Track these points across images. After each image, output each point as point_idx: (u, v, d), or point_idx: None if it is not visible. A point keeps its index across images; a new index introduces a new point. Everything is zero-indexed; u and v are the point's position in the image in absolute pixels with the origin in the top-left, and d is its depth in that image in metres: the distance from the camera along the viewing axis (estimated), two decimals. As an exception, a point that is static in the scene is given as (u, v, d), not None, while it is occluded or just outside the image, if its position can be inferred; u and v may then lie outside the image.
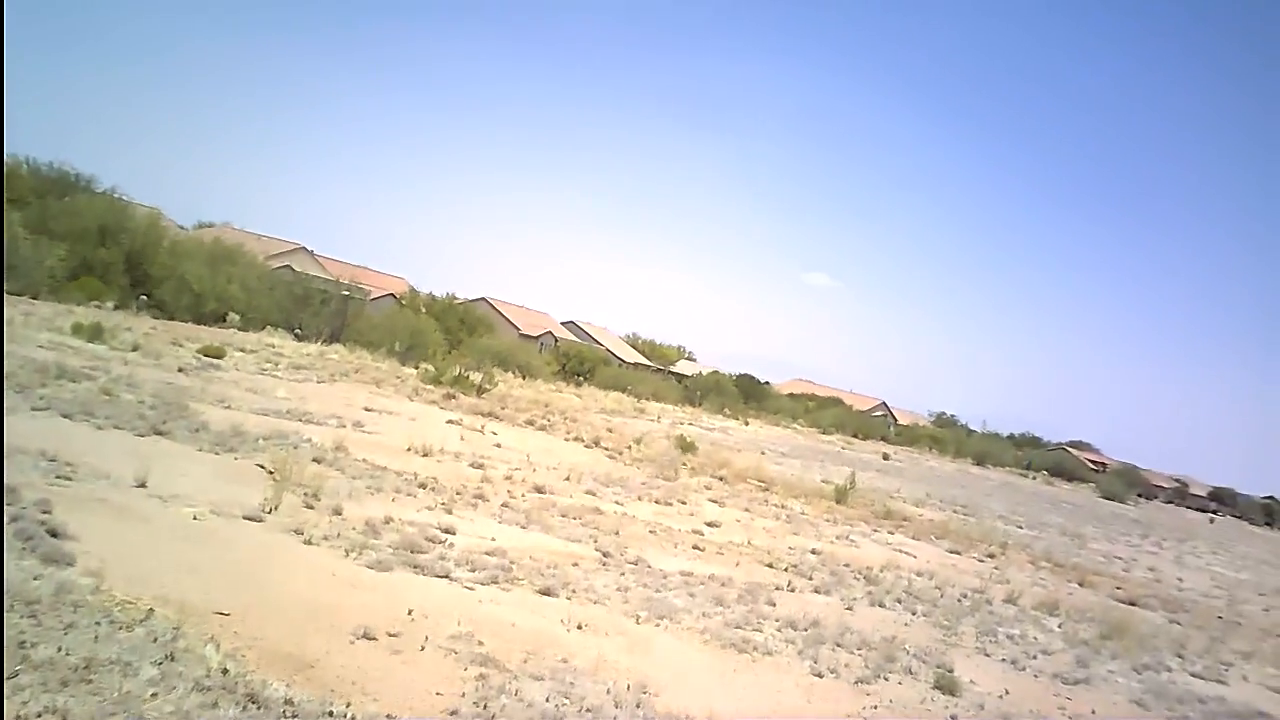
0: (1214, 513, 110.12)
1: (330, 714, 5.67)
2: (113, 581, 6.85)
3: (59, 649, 5.56)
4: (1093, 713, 9.74)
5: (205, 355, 22.57)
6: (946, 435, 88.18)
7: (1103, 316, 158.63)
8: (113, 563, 7.22)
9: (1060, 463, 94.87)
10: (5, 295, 28.64)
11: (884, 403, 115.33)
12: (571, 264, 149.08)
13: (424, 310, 59.77)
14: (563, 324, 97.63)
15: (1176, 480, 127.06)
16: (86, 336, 20.15)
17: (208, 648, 6.12)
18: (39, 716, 4.81)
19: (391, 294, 71.70)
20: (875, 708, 8.31)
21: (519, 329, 79.96)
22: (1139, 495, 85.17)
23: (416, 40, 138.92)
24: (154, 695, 5.30)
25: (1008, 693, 9.66)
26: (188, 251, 44.06)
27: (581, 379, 60.03)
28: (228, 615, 6.84)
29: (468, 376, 28.80)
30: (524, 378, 42.12)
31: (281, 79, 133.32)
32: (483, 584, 9.19)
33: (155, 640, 6.04)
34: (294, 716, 5.51)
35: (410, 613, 7.79)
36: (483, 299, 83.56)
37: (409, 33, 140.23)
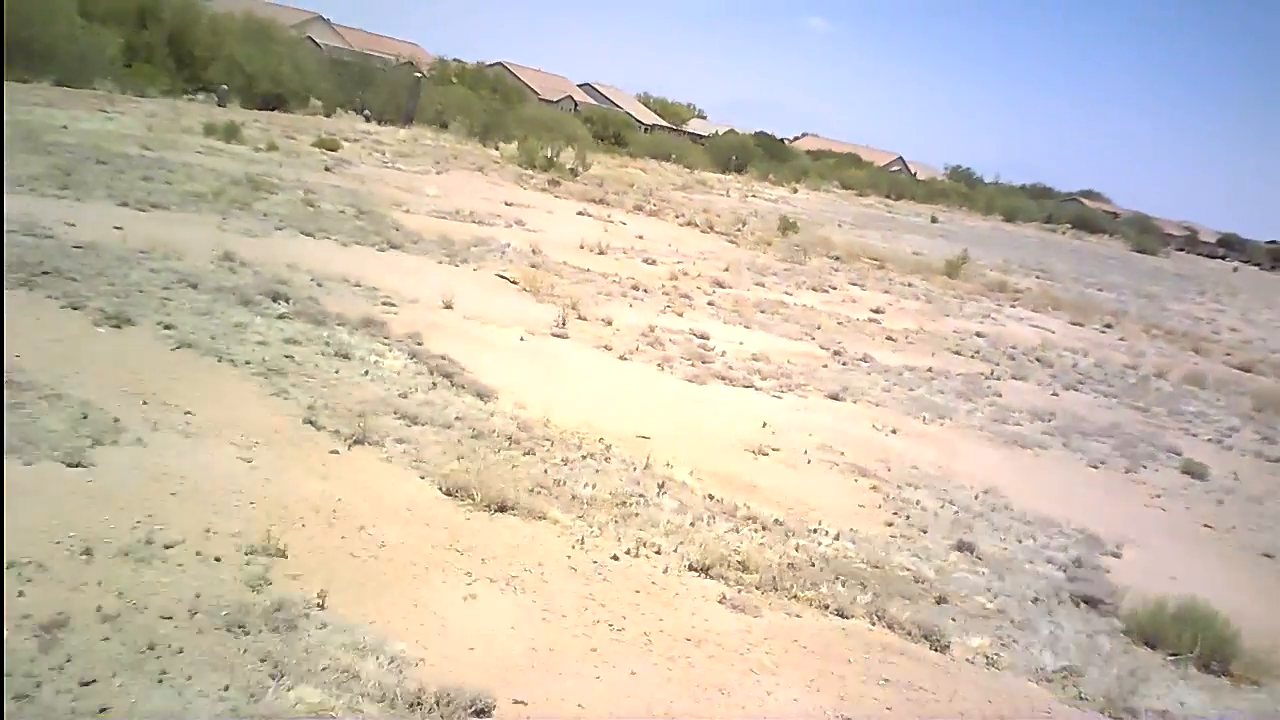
0: (1223, 258, 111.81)
1: (813, 530, 6.58)
2: (535, 410, 7.66)
3: (584, 484, 6.42)
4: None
5: (323, 149, 22.68)
6: (975, 193, 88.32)
7: (1106, 62, 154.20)
8: (515, 391, 8.03)
9: (1081, 215, 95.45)
10: (74, 90, 28.19)
11: (900, 158, 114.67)
12: (573, 20, 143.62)
13: (454, 80, 58.64)
14: (579, 86, 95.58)
15: (1186, 228, 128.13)
16: (224, 137, 20.24)
17: (683, 475, 7.00)
18: (632, 549, 5.67)
19: (409, 62, 69.73)
20: (1158, 496, 9.33)
21: (539, 94, 78.18)
22: (1180, 248, 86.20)
23: None
24: (693, 524, 6.19)
25: (1237, 475, 10.71)
26: (227, 29, 42.74)
27: (621, 146, 59.45)
28: (649, 439, 7.68)
29: (557, 158, 28.89)
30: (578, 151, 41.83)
31: None
32: (782, 391, 10.04)
33: (635, 469, 6.90)
34: (790, 535, 6.42)
35: (765, 425, 8.67)
36: (499, 64, 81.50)
37: None
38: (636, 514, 6.14)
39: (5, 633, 3.60)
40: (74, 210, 11.46)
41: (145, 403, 6.31)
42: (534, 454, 6.77)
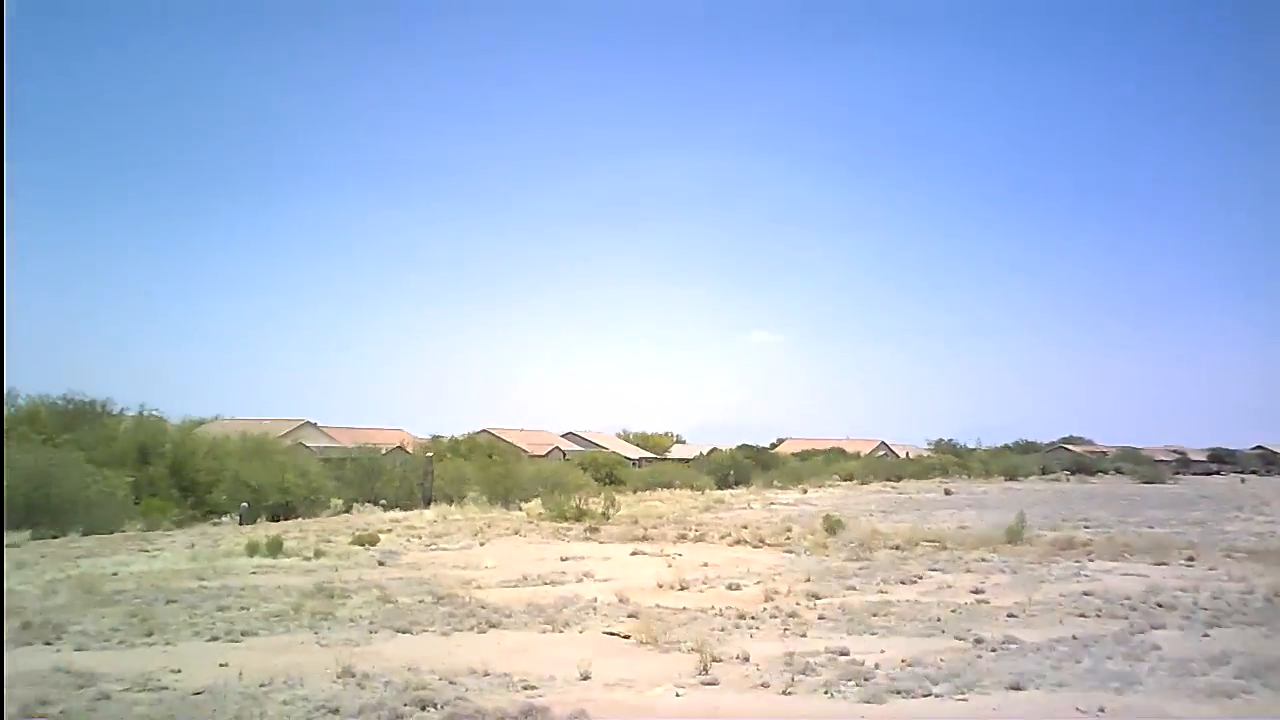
0: (1217, 473, 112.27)
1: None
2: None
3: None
4: None
5: (363, 544, 22.44)
6: (968, 461, 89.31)
7: (1044, 314, 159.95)
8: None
9: (1076, 461, 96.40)
10: (105, 536, 28.12)
11: (883, 442, 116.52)
12: (536, 375, 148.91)
13: (449, 456, 59.86)
14: (562, 436, 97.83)
15: (1175, 451, 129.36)
16: (269, 553, 20.00)
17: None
18: None
19: (400, 447, 71.36)
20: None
21: (528, 452, 79.59)
22: (1176, 471, 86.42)
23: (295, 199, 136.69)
24: None
25: None
26: (226, 452, 43.66)
27: (619, 483, 60.02)
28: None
29: (586, 507, 28.86)
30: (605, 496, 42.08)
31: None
32: (964, 692, 9.36)
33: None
34: None
35: (978, 734, 7.97)
36: (484, 431, 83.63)
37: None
38: None
39: None
40: (170, 655, 11.01)
41: None
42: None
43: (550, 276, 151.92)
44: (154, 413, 45.62)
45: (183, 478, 40.29)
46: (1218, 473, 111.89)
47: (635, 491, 50.29)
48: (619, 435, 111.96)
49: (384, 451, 58.17)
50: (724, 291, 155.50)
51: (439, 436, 72.31)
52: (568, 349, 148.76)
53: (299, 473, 41.36)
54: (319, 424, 74.11)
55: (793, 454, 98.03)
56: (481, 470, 44.19)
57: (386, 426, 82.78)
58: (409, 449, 69.75)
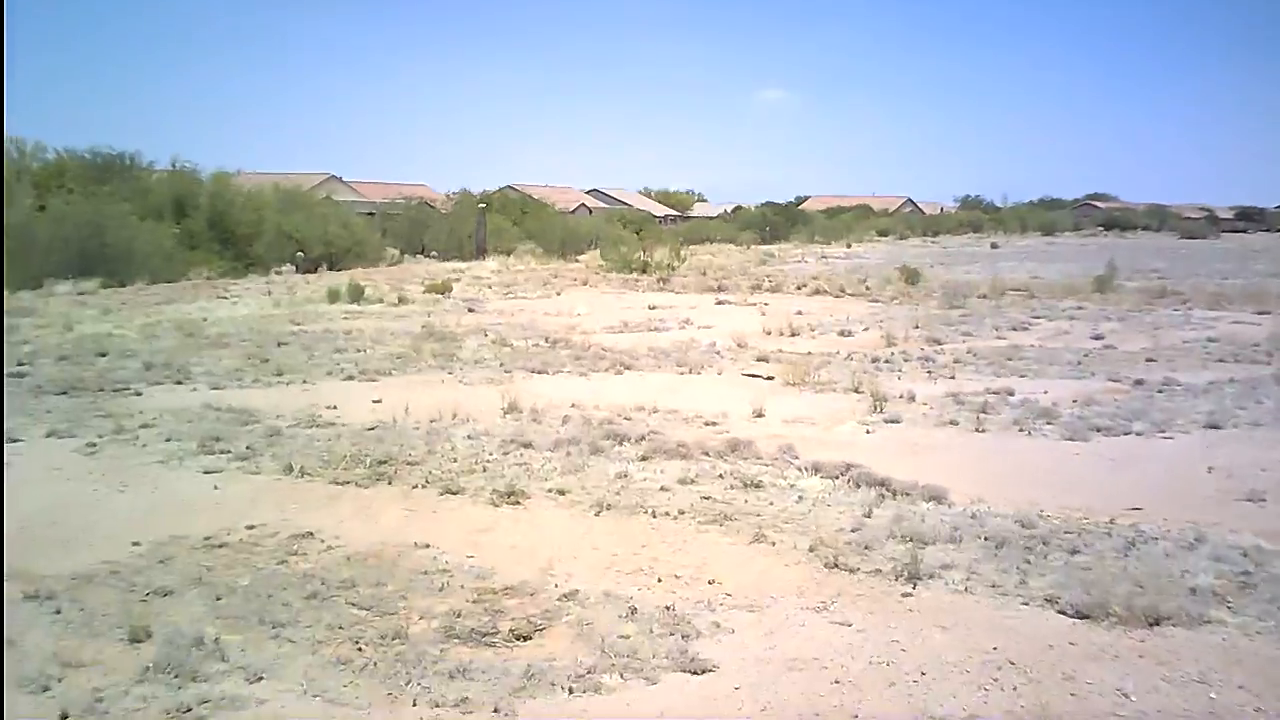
0: (1245, 231, 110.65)
1: None
2: (999, 503, 6.68)
3: (1180, 574, 5.38)
4: None
5: (437, 292, 22.07)
6: (1002, 216, 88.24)
7: (1077, 62, 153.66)
8: (947, 486, 7.04)
9: (1109, 217, 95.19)
10: (171, 284, 27.78)
11: (909, 199, 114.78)
12: (556, 132, 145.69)
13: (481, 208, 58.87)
14: (586, 193, 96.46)
15: (1203, 209, 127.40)
16: (353, 299, 19.63)
17: (1248, 540, 5.96)
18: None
19: (424, 200, 69.92)
20: None
21: (553, 207, 78.25)
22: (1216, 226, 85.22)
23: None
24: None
25: None
26: (264, 203, 42.63)
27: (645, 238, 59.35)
28: (1141, 509, 6.66)
29: (650, 261, 28.30)
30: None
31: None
32: (1164, 431, 9.01)
33: (1193, 545, 5.87)
34: None
35: (1210, 470, 7.67)
36: (509, 186, 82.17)
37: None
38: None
39: None
40: (314, 393, 10.72)
41: (659, 580, 5.38)
42: (1079, 552, 5.76)
43: (567, 30, 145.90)
44: (187, 165, 44.35)
45: (222, 230, 39.49)
46: (1245, 230, 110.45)
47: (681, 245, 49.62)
48: (641, 193, 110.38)
49: (409, 204, 57.15)
50: (735, 45, 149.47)
51: (466, 191, 70.87)
52: (586, 106, 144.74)
53: (341, 224, 40.76)
54: (344, 178, 72.74)
55: (819, 211, 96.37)
56: (535, 222, 43.36)
57: (409, 182, 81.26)
58: (434, 204, 68.56)
